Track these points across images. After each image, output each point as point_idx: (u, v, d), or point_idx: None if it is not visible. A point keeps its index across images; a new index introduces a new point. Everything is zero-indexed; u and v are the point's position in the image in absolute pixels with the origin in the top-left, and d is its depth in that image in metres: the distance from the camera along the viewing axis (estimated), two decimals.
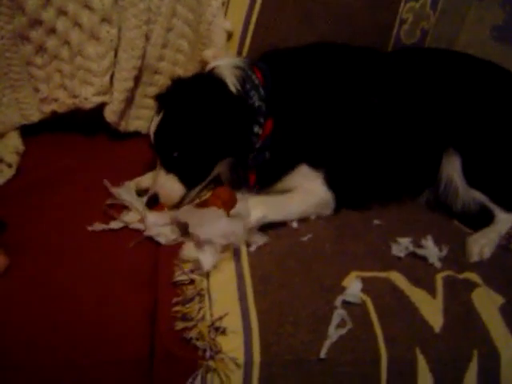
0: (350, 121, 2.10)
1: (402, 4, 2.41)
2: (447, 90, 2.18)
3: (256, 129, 1.99)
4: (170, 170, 2.00)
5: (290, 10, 2.36)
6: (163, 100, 2.07)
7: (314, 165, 2.06)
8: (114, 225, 1.91)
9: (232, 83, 1.99)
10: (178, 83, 2.11)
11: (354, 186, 2.12)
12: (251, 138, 2.00)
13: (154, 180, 2.06)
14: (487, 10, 2.52)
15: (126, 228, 1.92)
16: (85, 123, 2.45)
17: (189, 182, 2.01)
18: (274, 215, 1.95)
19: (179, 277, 1.70)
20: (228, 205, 1.84)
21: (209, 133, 1.95)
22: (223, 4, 2.37)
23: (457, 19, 2.54)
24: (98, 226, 1.89)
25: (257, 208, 1.91)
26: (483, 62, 2.34)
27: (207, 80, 2.04)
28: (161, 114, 2.01)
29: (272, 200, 2.03)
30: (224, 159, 2.02)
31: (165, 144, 2.01)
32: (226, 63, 2.08)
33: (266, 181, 2.08)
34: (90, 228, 1.87)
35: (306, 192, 2.05)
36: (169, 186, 1.99)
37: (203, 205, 1.90)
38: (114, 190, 1.99)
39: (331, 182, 2.06)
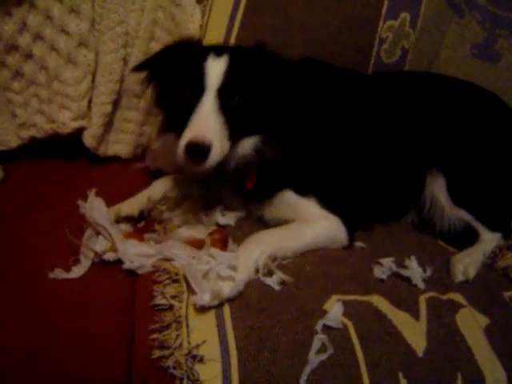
0: (333, 144, 2.07)
1: (381, 23, 2.41)
2: (430, 113, 2.19)
3: None
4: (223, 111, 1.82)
5: (268, 33, 2.35)
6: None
7: (300, 190, 2.01)
8: (76, 272, 1.82)
9: None
10: None
11: (339, 211, 2.03)
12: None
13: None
14: (467, 28, 2.52)
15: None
16: (64, 148, 2.43)
17: (234, 129, 1.84)
18: (274, 249, 1.84)
19: (159, 301, 1.66)
20: (219, 245, 1.83)
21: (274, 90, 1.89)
22: (201, 27, 2.36)
23: (437, 37, 2.53)
24: (59, 274, 1.80)
25: (252, 245, 1.84)
26: (464, 83, 2.36)
27: None
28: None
29: (269, 234, 1.94)
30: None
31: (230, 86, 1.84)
32: None
33: (258, 194, 2.02)
34: (50, 275, 1.78)
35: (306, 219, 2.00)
36: (213, 120, 1.79)
37: (195, 243, 1.87)
38: (88, 214, 1.94)
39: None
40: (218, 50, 1.91)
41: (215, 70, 1.84)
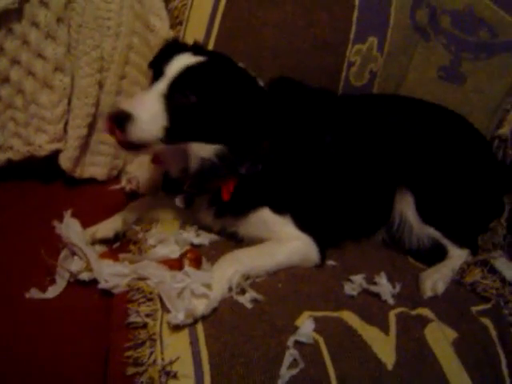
0: (309, 163, 2.11)
1: (350, 47, 2.47)
2: (397, 133, 2.25)
3: None
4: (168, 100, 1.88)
5: (239, 57, 2.33)
6: None
7: (278, 208, 2.04)
8: (51, 292, 1.83)
9: None
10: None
11: (312, 230, 2.07)
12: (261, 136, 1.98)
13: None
14: (433, 52, 2.58)
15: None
16: (40, 170, 2.44)
17: (174, 127, 1.87)
18: (248, 268, 1.88)
19: (133, 319, 1.69)
20: (193, 264, 1.86)
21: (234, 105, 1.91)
22: None
23: (404, 61, 2.59)
24: (35, 294, 1.81)
25: (226, 264, 1.87)
26: (431, 104, 2.43)
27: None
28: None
29: (243, 253, 1.97)
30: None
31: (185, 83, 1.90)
32: None
33: (233, 208, 2.05)
34: (26, 295, 1.80)
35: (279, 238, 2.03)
36: (151, 101, 1.87)
37: (169, 263, 1.89)
38: (64, 235, 1.96)
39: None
40: (197, 50, 2.01)
41: (179, 62, 1.92)
